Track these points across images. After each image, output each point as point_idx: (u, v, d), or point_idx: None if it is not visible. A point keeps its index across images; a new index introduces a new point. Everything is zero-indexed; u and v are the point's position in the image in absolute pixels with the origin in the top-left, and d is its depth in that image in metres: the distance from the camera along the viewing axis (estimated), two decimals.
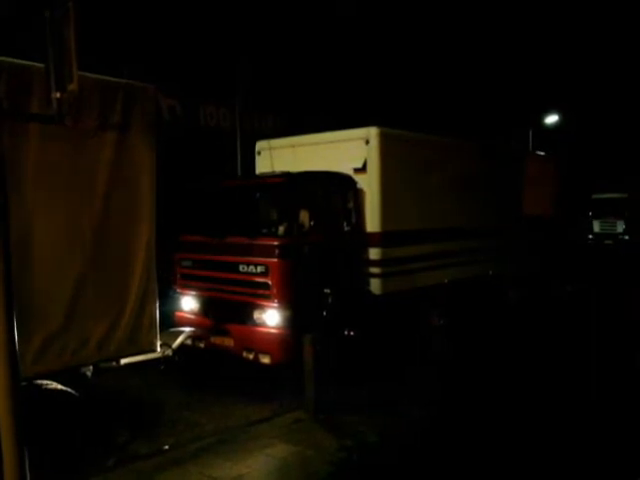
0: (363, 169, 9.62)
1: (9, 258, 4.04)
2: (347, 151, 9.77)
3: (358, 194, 9.56)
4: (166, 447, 6.81)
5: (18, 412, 4.08)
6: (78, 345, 6.20)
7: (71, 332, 6.11)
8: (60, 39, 4.17)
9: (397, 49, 22.34)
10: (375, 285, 9.49)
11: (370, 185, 9.59)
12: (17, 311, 4.15)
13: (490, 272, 12.43)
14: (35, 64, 5.35)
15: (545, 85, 26.69)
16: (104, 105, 6.36)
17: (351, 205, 9.47)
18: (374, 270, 9.51)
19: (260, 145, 11.01)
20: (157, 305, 6.92)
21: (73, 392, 6.29)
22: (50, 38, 4.19)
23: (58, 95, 4.23)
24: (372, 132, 9.62)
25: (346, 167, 9.61)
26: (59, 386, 6.24)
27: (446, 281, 10.99)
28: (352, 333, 8.69)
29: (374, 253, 9.53)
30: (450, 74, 24.06)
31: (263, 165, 10.67)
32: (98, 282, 6.32)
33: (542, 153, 19.54)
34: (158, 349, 6.98)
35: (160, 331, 7.02)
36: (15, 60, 5.59)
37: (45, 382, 6.16)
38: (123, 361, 6.81)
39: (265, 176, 9.51)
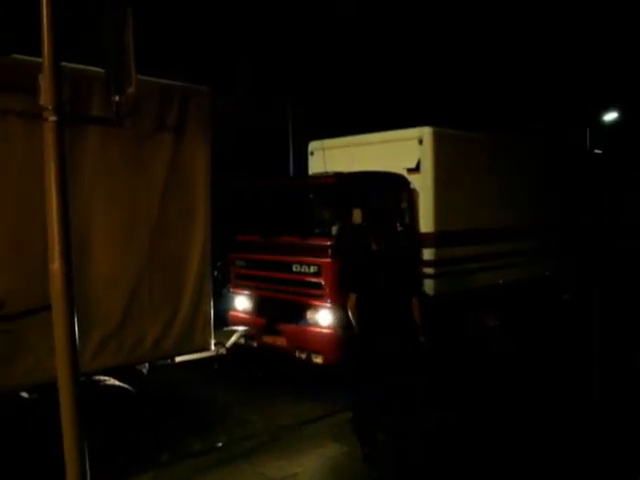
0: (416, 169, 9.56)
1: (70, 258, 4.15)
2: (400, 151, 9.72)
3: (411, 194, 9.49)
4: (219, 444, 6.88)
5: (78, 407, 4.19)
6: (135, 343, 6.32)
7: (128, 330, 6.25)
8: (119, 43, 4.25)
9: (450, 47, 22.09)
10: (429, 286, 9.41)
11: (424, 185, 9.51)
12: (77, 309, 4.27)
13: (546, 273, 12.18)
14: (95, 68, 5.49)
15: (603, 82, 25.97)
16: (161, 107, 6.49)
17: (404, 205, 9.42)
18: (428, 271, 9.44)
19: (313, 145, 11.04)
20: (212, 304, 7.02)
21: (130, 388, 6.43)
22: (109, 43, 4.28)
23: (117, 98, 4.32)
24: (425, 132, 9.55)
25: (399, 167, 9.56)
26: (116, 382, 6.39)
27: (501, 282, 10.82)
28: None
29: (428, 253, 9.45)
30: (505, 72, 23.65)
31: (316, 165, 10.69)
32: (155, 281, 6.43)
33: (599, 151, 19.05)
34: (212, 348, 7.08)
35: (214, 330, 7.11)
36: (77, 65, 5.76)
37: (103, 378, 6.32)
38: (178, 359, 6.94)
39: (318, 176, 9.53)
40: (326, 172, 9.36)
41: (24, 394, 5.94)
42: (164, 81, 6.64)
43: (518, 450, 6.57)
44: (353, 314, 6.99)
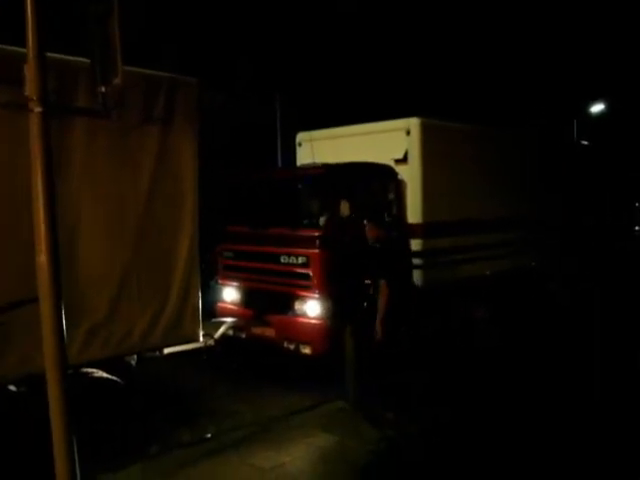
0: (404, 160, 9.58)
1: (57, 249, 4.13)
2: (388, 142, 9.73)
3: (399, 185, 9.51)
4: (208, 435, 6.90)
5: (66, 400, 4.18)
6: (123, 335, 6.32)
7: (116, 322, 6.24)
8: (104, 34, 4.22)
9: (437, 37, 22.08)
10: (417, 276, 9.44)
11: (411, 176, 9.53)
12: (64, 302, 4.25)
13: (532, 264, 12.25)
14: (81, 59, 5.45)
15: (590, 73, 26.03)
16: (148, 98, 6.46)
17: (392, 196, 9.43)
18: (416, 261, 9.46)
19: (301, 136, 11.03)
20: (200, 296, 7.02)
21: (118, 380, 6.44)
22: (95, 33, 4.24)
23: (103, 89, 4.29)
24: (413, 122, 9.57)
25: (387, 158, 9.57)
26: (104, 374, 6.39)
27: (488, 273, 10.87)
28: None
29: (416, 244, 9.47)
30: (493, 64, 23.68)
31: (304, 156, 10.68)
32: (142, 273, 6.43)
33: (586, 143, 19.13)
34: (201, 339, 7.08)
35: (202, 321, 7.11)
36: (62, 56, 5.72)
37: (91, 370, 6.32)
38: (166, 351, 6.95)
39: (306, 167, 9.52)
40: (314, 163, 9.36)
41: (12, 387, 5.93)
42: (150, 72, 6.61)
43: (507, 445, 6.61)
44: (384, 303, 7.06)
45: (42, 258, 4.05)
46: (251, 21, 17.66)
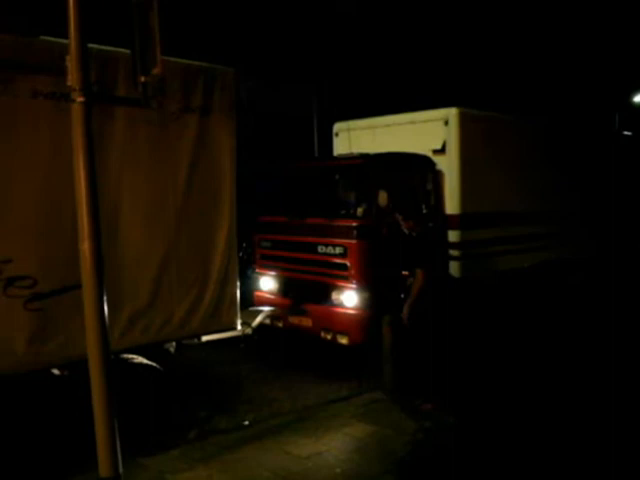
0: (442, 150, 9.50)
1: (99, 238, 4.22)
2: (426, 132, 9.67)
3: (437, 176, 9.45)
4: (246, 422, 6.96)
5: (108, 384, 4.28)
6: (162, 322, 6.41)
7: (156, 309, 6.33)
8: (144, 24, 4.28)
9: (478, 26, 21.77)
10: (454, 268, 9.39)
11: (449, 166, 9.46)
12: (106, 288, 4.34)
13: (569, 257, 12.02)
14: (121, 50, 5.54)
15: (634, 62, 25.38)
16: (186, 88, 6.52)
17: (430, 187, 9.38)
18: (453, 253, 9.40)
19: (338, 127, 11.01)
20: (238, 284, 7.08)
21: (157, 366, 6.54)
22: (135, 23, 4.30)
23: (143, 79, 4.36)
24: (451, 113, 9.49)
25: (425, 148, 9.51)
26: (144, 360, 6.50)
27: (526, 265, 10.74)
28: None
29: (453, 235, 9.41)
30: (532, 51, 23.26)
31: (341, 147, 10.66)
32: (181, 261, 6.51)
33: (629, 133, 18.69)
34: (238, 327, 7.15)
35: (240, 310, 7.18)
36: (103, 46, 5.81)
37: (131, 356, 6.44)
38: (204, 338, 7.03)
39: (343, 157, 9.52)
40: (351, 153, 9.35)
41: (55, 371, 6.08)
42: (189, 62, 6.67)
43: (547, 439, 6.54)
44: (417, 289, 7.21)
45: (85, 245, 4.14)
46: (288, 9, 17.64)
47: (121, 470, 4.39)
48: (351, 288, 8.29)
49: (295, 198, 9.55)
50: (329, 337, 8.50)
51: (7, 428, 5.72)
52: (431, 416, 7.05)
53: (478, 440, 6.45)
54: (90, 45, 4.31)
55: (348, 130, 10.28)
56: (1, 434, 5.70)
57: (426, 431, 6.67)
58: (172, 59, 6.10)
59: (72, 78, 4.13)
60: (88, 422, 4.36)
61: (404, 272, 8.09)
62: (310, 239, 8.74)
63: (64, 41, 4.32)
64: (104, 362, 4.28)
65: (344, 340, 8.34)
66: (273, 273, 9.47)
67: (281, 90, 18.60)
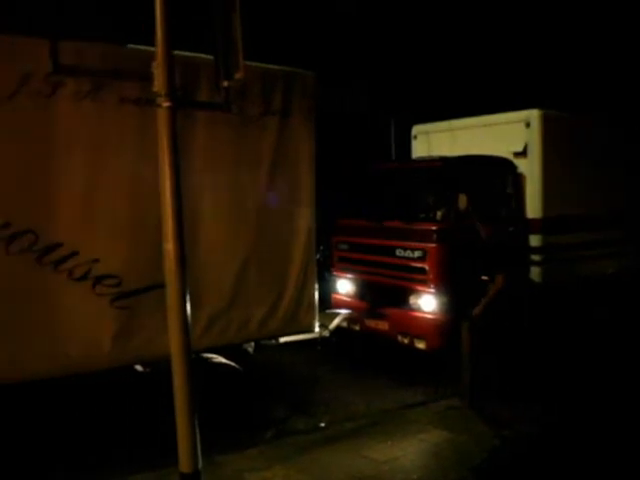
0: (523, 153, 9.32)
1: (183, 238, 4.32)
2: (507, 134, 9.50)
3: (518, 179, 9.26)
4: (322, 424, 6.97)
5: (190, 381, 4.38)
6: (241, 323, 6.52)
7: (235, 310, 6.45)
8: (228, 30, 4.36)
9: (558, 26, 21.12)
10: (536, 273, 9.16)
11: (531, 169, 9.26)
12: (188, 288, 4.44)
13: None
14: (202, 55, 5.68)
15: None
16: (267, 92, 6.62)
17: (511, 190, 9.20)
18: (534, 258, 9.18)
19: (417, 129, 10.93)
20: (316, 287, 7.12)
21: (236, 366, 6.65)
22: (218, 29, 4.39)
23: (226, 84, 4.45)
24: (533, 114, 9.29)
25: (505, 151, 9.34)
26: (224, 360, 6.62)
27: (610, 271, 10.35)
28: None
29: (535, 240, 9.19)
30: (615, 53, 22.36)
31: (420, 149, 10.59)
32: (261, 263, 6.61)
33: None
34: (316, 329, 7.19)
35: (317, 312, 7.22)
36: (185, 52, 5.96)
37: (211, 356, 6.57)
38: (282, 339, 7.10)
39: (423, 160, 9.44)
40: (430, 156, 9.27)
41: (139, 367, 6.27)
42: (269, 66, 6.76)
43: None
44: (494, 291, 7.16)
45: (169, 246, 4.25)
46: (366, 13, 17.62)
47: (200, 466, 4.48)
48: (429, 292, 8.20)
49: (374, 201, 9.53)
50: (406, 341, 8.44)
51: (93, 421, 5.96)
52: (510, 424, 6.88)
53: (560, 451, 6.25)
54: (175, 52, 4.43)
55: (427, 133, 10.21)
56: (89, 426, 5.94)
57: (504, 439, 6.51)
58: (252, 63, 6.19)
59: (158, 84, 4.25)
60: (168, 418, 4.47)
61: (484, 277, 7.97)
62: (389, 242, 8.70)
63: (150, 49, 4.45)
64: (186, 360, 4.38)
65: (421, 345, 8.26)
66: (351, 276, 9.47)
67: (359, 91, 18.58)
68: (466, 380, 7.57)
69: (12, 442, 5.79)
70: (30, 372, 5.37)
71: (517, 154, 9.35)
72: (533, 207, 9.29)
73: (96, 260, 5.59)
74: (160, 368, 5.89)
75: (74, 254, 5.51)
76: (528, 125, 9.28)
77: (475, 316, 7.36)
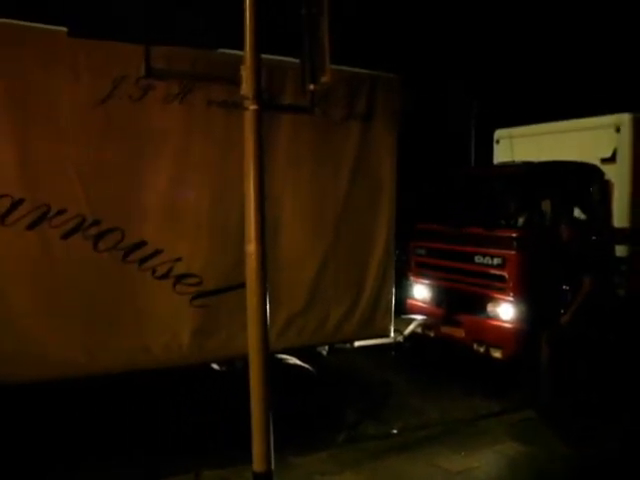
0: (612, 159, 9.00)
1: (264, 240, 4.37)
2: (594, 139, 9.22)
3: (605, 186, 8.91)
4: (394, 431, 6.91)
5: (267, 381, 4.44)
6: (317, 325, 6.55)
7: (312, 313, 6.48)
8: (315, 34, 4.38)
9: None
10: (621, 285, 8.82)
11: (620, 176, 8.95)
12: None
13: None
14: (287, 59, 5.73)
15: None
16: (351, 95, 6.62)
17: (597, 197, 8.87)
18: (621, 268, 8.84)
19: (499, 134, 10.73)
20: (393, 292, 7.08)
21: (311, 369, 6.68)
22: (305, 33, 4.42)
23: (311, 87, 4.47)
24: (624, 119, 8.98)
25: (592, 157, 9.02)
26: (298, 362, 6.65)
27: None
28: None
29: (621, 250, 8.86)
30: None
31: (502, 154, 10.38)
32: (339, 266, 6.62)
33: None
34: (392, 335, 7.14)
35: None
36: (271, 56, 6.02)
37: (286, 357, 6.62)
38: (357, 343, 7.10)
39: (506, 165, 9.24)
40: (514, 161, 9.07)
41: (215, 366, 6.38)
42: (354, 69, 6.76)
43: None
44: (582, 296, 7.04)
45: (251, 247, 4.31)
46: (444, 18, 17.43)
47: (273, 466, 4.51)
48: (508, 300, 8.02)
49: (454, 206, 9.38)
50: (482, 349, 8.27)
51: (170, 416, 6.11)
52: (589, 438, 6.65)
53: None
54: (263, 55, 4.48)
55: (510, 137, 9.99)
56: (166, 421, 6.09)
57: (583, 454, 6.30)
58: (337, 67, 6.19)
59: (246, 87, 4.32)
60: (242, 416, 4.52)
61: (565, 287, 7.74)
62: (467, 248, 8.55)
63: (239, 53, 4.52)
64: (264, 360, 4.43)
65: (498, 354, 8.08)
66: (427, 281, 9.36)
67: (439, 95, 18.39)
68: (544, 392, 7.38)
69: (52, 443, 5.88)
70: (107, 367, 5.50)
71: (605, 160, 9.06)
72: (620, 215, 8.96)
73: (178, 259, 5.72)
74: (236, 367, 6.03)
75: (158, 252, 5.65)
76: (618, 130, 9.00)
77: (564, 324, 7.13)
